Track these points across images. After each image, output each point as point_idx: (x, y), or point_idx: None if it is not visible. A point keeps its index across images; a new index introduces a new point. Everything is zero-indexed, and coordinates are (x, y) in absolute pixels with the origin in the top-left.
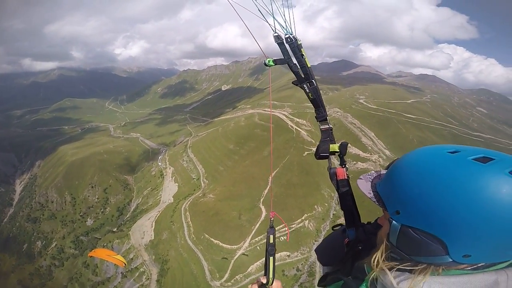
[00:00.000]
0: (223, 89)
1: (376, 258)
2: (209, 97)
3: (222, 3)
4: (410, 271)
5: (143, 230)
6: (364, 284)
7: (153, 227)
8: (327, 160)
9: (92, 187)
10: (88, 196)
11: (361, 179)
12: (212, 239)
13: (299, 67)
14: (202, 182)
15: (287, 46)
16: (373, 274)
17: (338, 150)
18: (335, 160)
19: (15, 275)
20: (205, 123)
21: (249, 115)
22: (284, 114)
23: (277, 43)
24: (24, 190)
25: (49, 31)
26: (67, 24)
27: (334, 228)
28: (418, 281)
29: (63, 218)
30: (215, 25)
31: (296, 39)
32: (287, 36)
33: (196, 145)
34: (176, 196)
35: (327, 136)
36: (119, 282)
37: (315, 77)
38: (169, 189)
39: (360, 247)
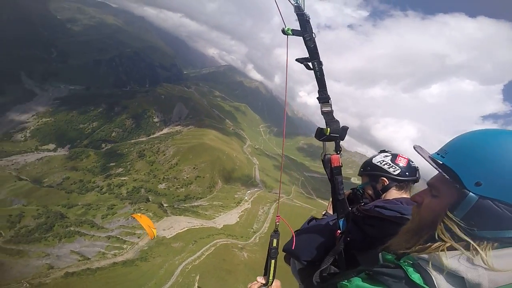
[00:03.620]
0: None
1: (422, 239)
2: None
3: (420, 97)
4: (471, 248)
5: (173, 226)
6: (411, 269)
7: (180, 231)
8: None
9: (194, 168)
10: (184, 171)
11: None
12: (195, 284)
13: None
14: (254, 237)
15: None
16: (426, 257)
17: (338, 135)
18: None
19: (76, 173)
20: (307, 196)
21: None
22: None
23: (297, 14)
24: (162, 135)
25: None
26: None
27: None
28: (483, 256)
29: (154, 169)
30: (393, 116)
31: (308, 17)
32: (300, 13)
33: (283, 207)
34: (225, 228)
35: (332, 117)
36: (99, 236)
37: None
38: (229, 218)
39: (349, 238)
